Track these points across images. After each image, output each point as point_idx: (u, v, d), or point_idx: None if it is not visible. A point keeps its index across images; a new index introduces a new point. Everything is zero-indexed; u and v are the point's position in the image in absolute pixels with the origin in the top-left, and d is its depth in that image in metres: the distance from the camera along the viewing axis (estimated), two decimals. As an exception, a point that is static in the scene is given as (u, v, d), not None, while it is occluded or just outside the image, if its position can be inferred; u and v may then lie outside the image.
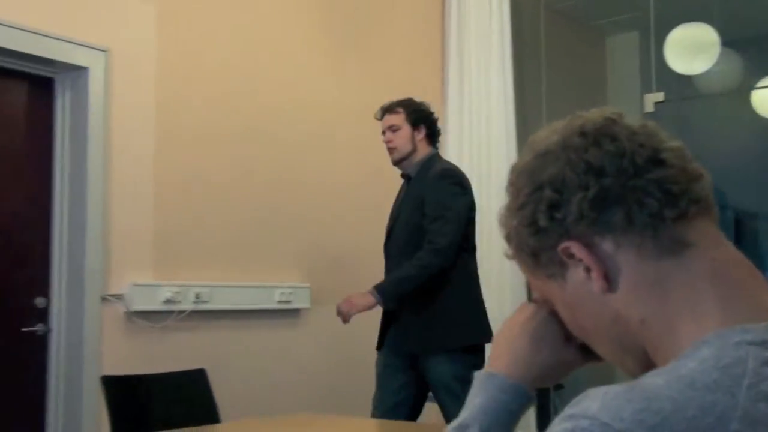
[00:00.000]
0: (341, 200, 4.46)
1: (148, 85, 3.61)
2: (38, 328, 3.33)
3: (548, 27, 5.46)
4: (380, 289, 3.18)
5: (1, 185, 3.26)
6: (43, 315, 3.35)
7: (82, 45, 3.35)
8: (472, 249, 3.34)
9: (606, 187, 0.79)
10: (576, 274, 0.82)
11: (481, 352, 3.23)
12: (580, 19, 6.10)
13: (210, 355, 3.63)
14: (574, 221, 0.80)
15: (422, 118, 3.38)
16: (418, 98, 3.46)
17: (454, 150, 4.91)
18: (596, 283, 0.81)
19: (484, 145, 4.83)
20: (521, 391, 0.93)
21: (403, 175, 3.46)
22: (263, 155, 4.08)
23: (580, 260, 0.81)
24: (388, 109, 3.40)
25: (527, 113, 5.18)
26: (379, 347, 3.39)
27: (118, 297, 3.44)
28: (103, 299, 3.38)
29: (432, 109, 3.47)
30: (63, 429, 3.32)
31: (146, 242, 3.56)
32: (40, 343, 3.35)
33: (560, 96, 5.39)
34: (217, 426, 2.64)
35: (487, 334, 3.24)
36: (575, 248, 0.81)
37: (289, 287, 4.11)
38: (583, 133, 0.82)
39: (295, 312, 4.17)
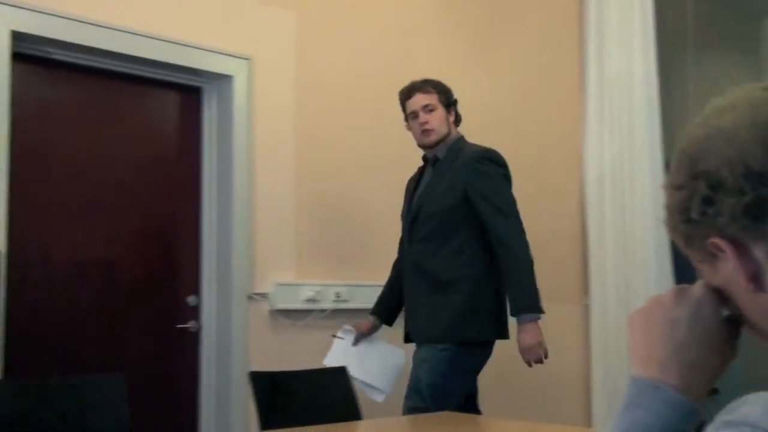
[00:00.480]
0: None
1: (288, 91, 3.72)
2: (191, 324, 3.50)
3: (696, 9, 5.19)
4: (528, 308, 2.92)
5: (155, 190, 3.45)
6: (195, 312, 3.52)
7: (226, 54, 3.49)
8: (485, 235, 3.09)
9: (763, 197, 0.74)
10: (725, 267, 0.79)
11: (481, 348, 3.04)
12: (732, 1, 5.76)
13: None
14: (725, 222, 0.77)
15: (453, 101, 3.20)
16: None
17: (594, 144, 4.80)
18: (742, 283, 0.77)
19: (626, 138, 4.67)
20: (692, 409, 0.81)
21: (424, 158, 3.24)
22: (399, 157, 4.11)
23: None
24: (418, 88, 3.15)
25: (673, 104, 4.96)
26: (406, 339, 3.21)
27: (263, 296, 3.56)
28: (249, 298, 3.52)
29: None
30: (215, 420, 3.47)
31: (289, 243, 3.67)
32: (193, 339, 3.52)
33: (709, 83, 5.13)
34: (359, 423, 2.69)
35: (490, 332, 3.03)
36: (724, 246, 0.77)
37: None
38: (755, 124, 0.76)
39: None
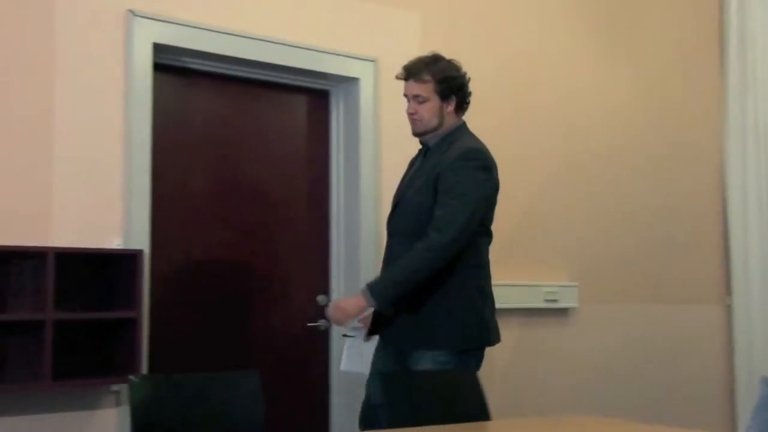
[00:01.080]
0: (612, 198, 4.34)
1: (414, 91, 3.74)
2: (321, 323, 3.57)
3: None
4: (374, 292, 2.74)
5: (286, 191, 3.55)
6: (322, 311, 3.59)
7: (353, 57, 3.55)
8: (487, 235, 2.93)
9: None
10: None
11: (476, 352, 2.86)
12: None
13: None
14: None
15: (454, 89, 2.90)
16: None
17: (735, 141, 4.60)
18: None
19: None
20: None
21: (422, 143, 3.02)
22: (527, 153, 4.06)
23: None
24: (414, 75, 2.90)
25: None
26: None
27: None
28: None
29: (463, 72, 2.96)
30: (345, 417, 3.53)
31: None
32: (323, 338, 3.60)
33: None
34: (487, 424, 2.67)
35: (483, 337, 2.86)
36: None
37: (556, 286, 4.05)
38: None
39: (562, 311, 4.11)
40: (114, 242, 2.94)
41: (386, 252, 2.94)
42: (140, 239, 2.97)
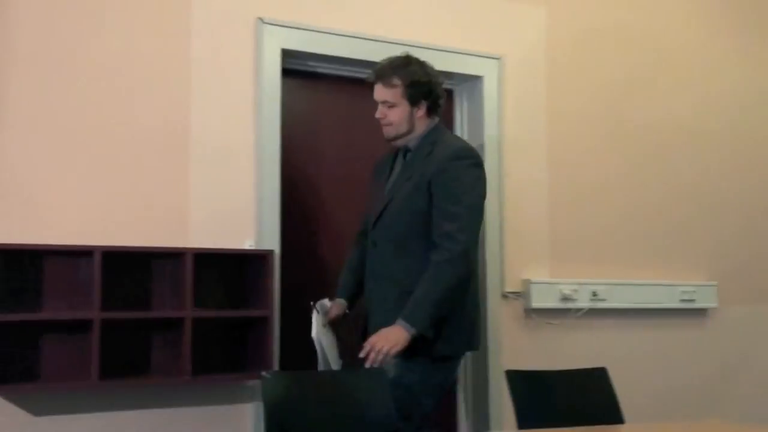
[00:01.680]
0: (754, 194, 4.14)
1: (540, 88, 3.69)
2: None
3: None
4: (414, 320, 2.54)
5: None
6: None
7: (477, 55, 3.53)
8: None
9: None
10: None
11: (453, 361, 2.74)
12: None
13: (609, 354, 3.58)
14: None
15: (423, 94, 2.75)
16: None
17: None
18: None
19: None
20: None
21: (399, 146, 2.85)
22: (662, 150, 3.93)
23: None
24: (381, 78, 2.76)
25: None
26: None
27: (517, 294, 3.56)
28: (503, 296, 3.53)
29: (433, 73, 2.80)
30: (472, 415, 3.52)
31: (542, 241, 3.64)
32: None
33: None
34: (621, 427, 2.60)
35: (464, 345, 2.74)
36: None
37: (693, 285, 3.89)
38: None
39: (700, 312, 3.95)
40: (246, 243, 3.04)
41: (372, 263, 2.77)
42: (271, 240, 3.06)
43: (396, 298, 2.63)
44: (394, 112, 2.75)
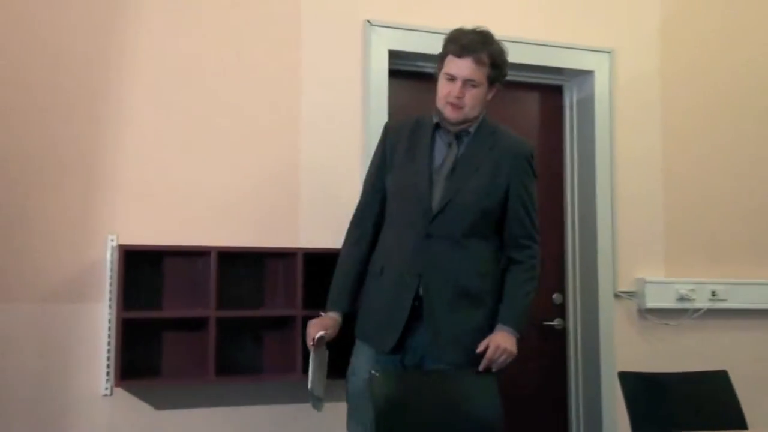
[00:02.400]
0: None
1: (653, 81, 3.58)
2: (556, 322, 3.52)
3: None
4: (517, 326, 2.50)
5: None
6: (560, 310, 3.54)
7: (587, 50, 3.46)
8: None
9: None
10: None
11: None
12: None
13: (729, 357, 3.44)
14: None
15: (501, 76, 2.55)
16: None
17: None
18: None
19: None
20: None
21: (438, 125, 2.57)
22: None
23: None
24: (473, 52, 2.46)
25: None
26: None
27: (631, 294, 3.47)
28: (616, 296, 3.45)
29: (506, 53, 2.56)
30: (584, 418, 3.46)
31: (657, 239, 3.53)
32: (559, 337, 3.54)
33: None
34: (743, 432, 2.50)
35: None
36: None
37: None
38: None
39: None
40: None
41: (427, 258, 2.48)
42: (380, 239, 3.09)
43: (451, 299, 2.47)
44: (473, 93, 2.49)
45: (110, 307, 2.77)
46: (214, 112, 2.96)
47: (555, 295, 3.52)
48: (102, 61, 2.84)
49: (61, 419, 2.74)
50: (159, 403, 2.84)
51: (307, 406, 2.69)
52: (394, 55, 3.20)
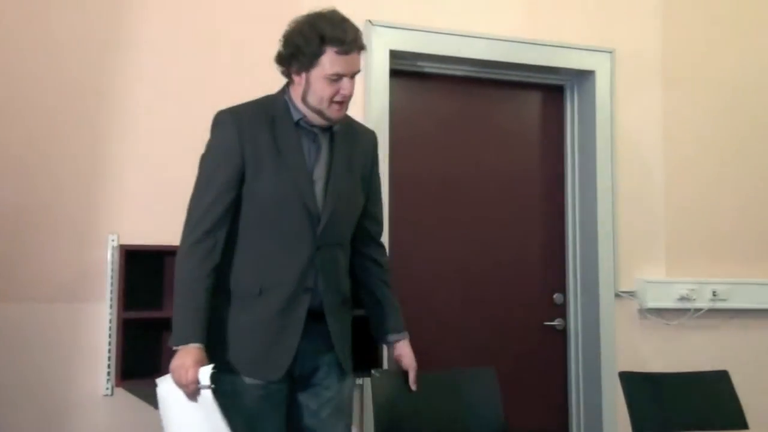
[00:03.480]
0: None
1: (654, 82, 3.58)
2: (557, 322, 3.52)
3: None
4: (406, 330, 2.46)
5: (520, 189, 3.52)
6: (561, 310, 3.54)
7: (588, 50, 3.46)
8: None
9: None
10: None
11: None
12: None
13: (730, 357, 3.44)
14: None
15: None
16: None
17: None
18: None
19: None
20: None
21: (298, 122, 2.26)
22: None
23: None
24: (360, 47, 2.20)
25: None
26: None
27: (631, 294, 3.47)
28: (617, 296, 3.44)
29: None
30: (584, 418, 3.46)
31: (657, 238, 3.53)
32: (560, 337, 3.54)
33: None
34: (744, 432, 2.50)
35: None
36: None
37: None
38: None
39: None
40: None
41: (319, 266, 2.21)
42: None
43: (338, 307, 2.28)
44: (353, 85, 2.23)
45: (111, 307, 2.77)
46: (216, 111, 2.95)
47: (556, 295, 3.53)
48: (105, 60, 2.84)
49: (61, 419, 2.73)
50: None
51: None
52: (395, 54, 3.20)
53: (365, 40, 2.24)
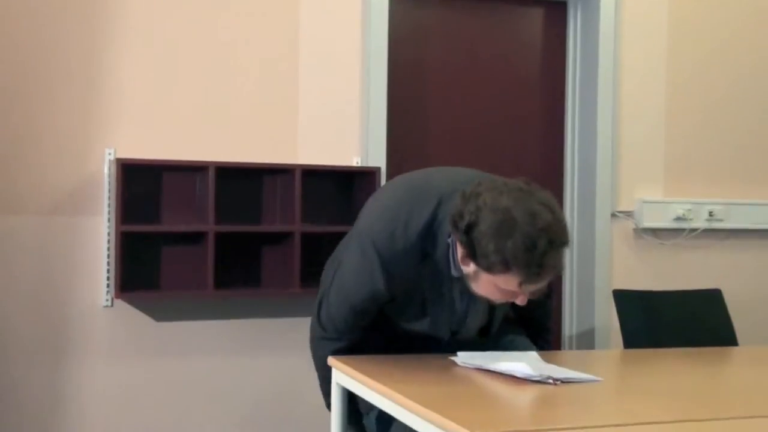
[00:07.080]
0: None
1: (661, 1, 3.51)
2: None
3: None
4: None
5: (521, 108, 3.50)
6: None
7: (591, -36, 3.38)
8: None
9: None
10: None
11: None
12: None
13: (724, 276, 3.48)
14: None
15: None
16: None
17: None
18: None
19: None
20: None
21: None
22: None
23: None
24: (555, 271, 1.84)
25: None
26: None
27: (628, 214, 3.48)
28: (613, 215, 3.46)
29: None
30: (577, 334, 3.51)
31: (656, 159, 3.52)
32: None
33: None
34: (734, 349, 2.53)
35: None
36: None
37: None
38: None
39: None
40: (353, 160, 3.08)
41: None
42: (377, 158, 3.09)
43: None
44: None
45: (109, 220, 2.78)
46: (216, 28, 2.91)
47: (553, 214, 3.53)
48: (95, -30, 2.78)
49: (62, 330, 2.78)
50: (159, 315, 2.88)
51: (303, 320, 2.73)
52: (394, -33, 3.13)
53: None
